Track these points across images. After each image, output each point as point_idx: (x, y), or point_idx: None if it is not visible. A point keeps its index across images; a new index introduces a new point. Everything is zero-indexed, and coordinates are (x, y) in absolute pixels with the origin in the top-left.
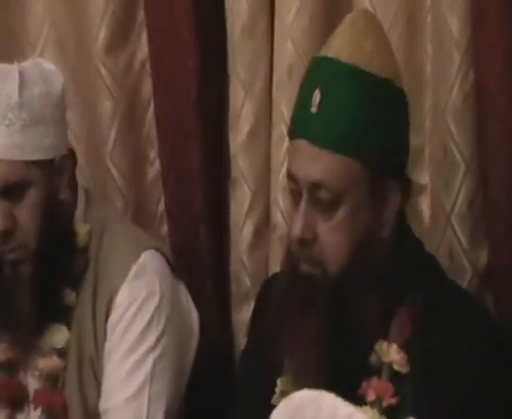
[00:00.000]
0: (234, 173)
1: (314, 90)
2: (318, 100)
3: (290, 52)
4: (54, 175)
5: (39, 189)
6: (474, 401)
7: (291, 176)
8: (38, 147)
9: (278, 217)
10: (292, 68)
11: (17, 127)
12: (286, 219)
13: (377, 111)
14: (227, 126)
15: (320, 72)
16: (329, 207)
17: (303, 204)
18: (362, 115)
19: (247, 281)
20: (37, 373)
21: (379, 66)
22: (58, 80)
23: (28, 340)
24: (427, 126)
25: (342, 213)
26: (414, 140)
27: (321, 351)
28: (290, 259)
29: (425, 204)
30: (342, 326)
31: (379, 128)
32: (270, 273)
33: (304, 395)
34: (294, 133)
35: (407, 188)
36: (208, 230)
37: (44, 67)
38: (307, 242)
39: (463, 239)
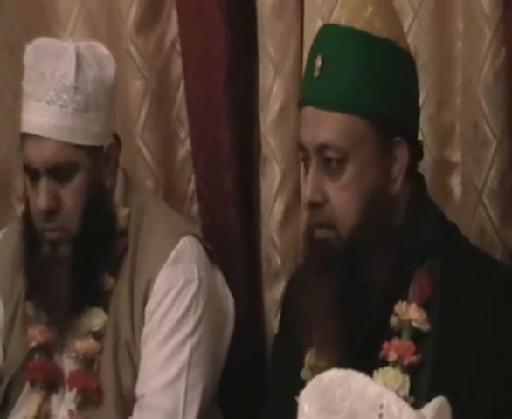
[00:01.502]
0: (264, 152)
1: (315, 57)
2: (319, 65)
3: None
4: (101, 162)
5: (86, 174)
6: (494, 358)
7: (300, 146)
8: (88, 132)
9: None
10: None
11: (70, 109)
12: None
13: (376, 69)
14: (257, 105)
15: (321, 39)
16: (337, 167)
17: (312, 168)
18: (361, 74)
19: (278, 260)
20: (73, 354)
21: (380, 29)
22: (111, 66)
23: (65, 322)
24: (458, 103)
25: (349, 172)
26: (445, 118)
27: (341, 316)
28: (306, 227)
29: (456, 182)
30: (359, 289)
31: (380, 86)
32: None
33: (333, 375)
34: (300, 101)
35: (416, 148)
36: (238, 209)
37: (99, 51)
38: (317, 205)
39: (494, 216)
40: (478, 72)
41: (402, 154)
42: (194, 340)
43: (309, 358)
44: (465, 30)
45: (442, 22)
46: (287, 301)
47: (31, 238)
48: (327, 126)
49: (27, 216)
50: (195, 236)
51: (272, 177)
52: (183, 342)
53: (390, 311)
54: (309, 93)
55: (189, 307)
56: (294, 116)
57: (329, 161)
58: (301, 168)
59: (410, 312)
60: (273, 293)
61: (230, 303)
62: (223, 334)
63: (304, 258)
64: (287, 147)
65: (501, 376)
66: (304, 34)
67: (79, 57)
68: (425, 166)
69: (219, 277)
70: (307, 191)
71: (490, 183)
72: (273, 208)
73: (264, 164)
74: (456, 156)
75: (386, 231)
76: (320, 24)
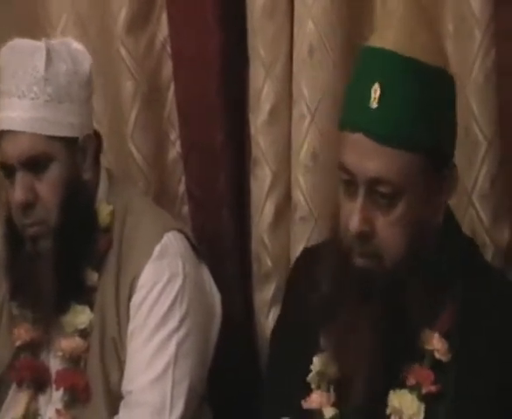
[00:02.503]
0: (255, 153)
1: (372, 83)
2: (378, 95)
3: (311, 32)
4: (77, 154)
5: (62, 166)
6: None
7: (345, 169)
8: (61, 123)
9: (299, 197)
10: (312, 48)
11: (42, 101)
12: (306, 199)
13: (434, 103)
14: (248, 106)
15: (377, 64)
16: (389, 201)
17: (360, 199)
18: (421, 109)
19: (268, 261)
20: (59, 353)
21: (436, 56)
22: (86, 61)
23: (50, 320)
24: None
25: (401, 207)
26: None
27: (372, 342)
28: (341, 251)
29: None
30: (394, 317)
31: (437, 120)
32: (291, 253)
33: None
34: (349, 125)
35: (455, 174)
36: (229, 210)
37: (73, 47)
38: (365, 236)
39: (485, 218)
40: (468, 73)
41: (448, 186)
42: (180, 334)
43: (320, 364)
44: (455, 31)
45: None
46: (293, 292)
47: (13, 239)
48: (382, 160)
49: (9, 218)
50: (179, 231)
51: (262, 178)
52: (169, 337)
53: (414, 335)
54: (364, 122)
55: (174, 302)
56: (284, 117)
57: (381, 194)
58: (292, 169)
59: (433, 342)
60: (264, 294)
61: (216, 298)
62: (209, 329)
63: (338, 283)
64: (277, 148)
65: None
66: (294, 35)
67: (49, 51)
68: None
69: (205, 272)
70: (353, 219)
71: (480, 185)
72: (263, 209)
73: (254, 165)
74: None
75: (426, 262)
76: (311, 24)
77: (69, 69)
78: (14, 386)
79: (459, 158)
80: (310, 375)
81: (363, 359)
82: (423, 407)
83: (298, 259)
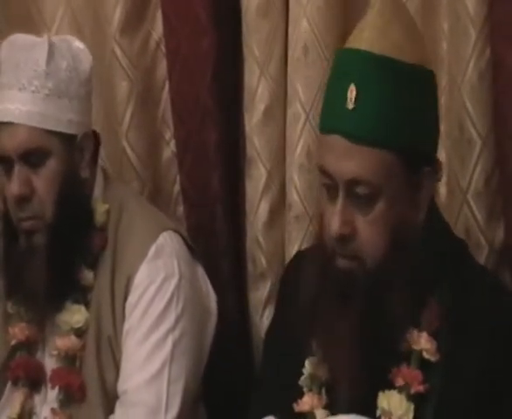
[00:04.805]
0: (250, 152)
1: (348, 84)
2: (354, 96)
3: (305, 31)
4: (75, 151)
5: (59, 161)
6: (501, 390)
7: (325, 172)
8: (60, 119)
9: (293, 196)
10: (307, 47)
11: (42, 95)
12: (301, 198)
13: (411, 101)
14: (242, 105)
15: (352, 65)
16: (367, 201)
17: (340, 200)
18: (397, 108)
19: (263, 261)
20: (55, 352)
21: (410, 53)
22: (86, 59)
23: (45, 318)
24: (443, 103)
25: (380, 206)
26: None
27: (356, 342)
28: (325, 253)
29: (441, 182)
30: (376, 317)
31: (414, 117)
32: (286, 252)
33: None
34: (327, 128)
35: (438, 171)
36: (224, 209)
37: (74, 44)
38: (346, 238)
39: (479, 216)
40: (463, 72)
41: (429, 184)
42: (176, 334)
43: (311, 366)
44: (450, 30)
45: (427, 22)
46: (286, 295)
47: (9, 233)
48: (359, 161)
49: (6, 214)
50: (175, 231)
51: (257, 178)
52: (164, 337)
53: (401, 336)
54: (341, 124)
55: (169, 302)
56: (279, 116)
57: (360, 195)
58: (287, 168)
59: (421, 342)
60: (259, 294)
61: (212, 298)
62: (205, 329)
63: (321, 284)
64: (272, 147)
65: (508, 408)
66: (289, 34)
67: (51, 46)
68: None
69: (201, 272)
70: (334, 221)
71: (475, 183)
72: (258, 209)
73: (249, 165)
74: (441, 156)
75: (408, 261)
76: (305, 24)
77: (69, 65)
78: (9, 384)
79: (453, 157)
80: (302, 378)
81: (348, 360)
82: (412, 407)
83: (290, 262)
